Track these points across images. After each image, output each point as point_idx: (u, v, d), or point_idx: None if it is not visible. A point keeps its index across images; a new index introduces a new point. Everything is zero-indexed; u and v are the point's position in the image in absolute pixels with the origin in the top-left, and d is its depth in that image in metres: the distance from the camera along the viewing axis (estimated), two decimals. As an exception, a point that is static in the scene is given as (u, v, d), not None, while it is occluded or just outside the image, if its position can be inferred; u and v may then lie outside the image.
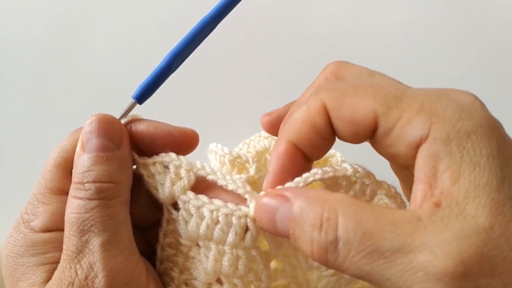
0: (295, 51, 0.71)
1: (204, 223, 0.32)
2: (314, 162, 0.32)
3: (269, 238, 0.32)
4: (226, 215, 0.31)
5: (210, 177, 0.33)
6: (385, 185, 0.31)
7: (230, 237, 0.31)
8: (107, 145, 0.32)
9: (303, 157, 0.30)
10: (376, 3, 0.72)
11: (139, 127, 0.34)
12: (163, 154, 0.34)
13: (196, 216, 0.32)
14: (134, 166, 0.34)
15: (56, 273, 0.31)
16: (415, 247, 0.23)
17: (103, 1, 0.73)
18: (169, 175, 0.33)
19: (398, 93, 0.27)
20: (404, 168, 0.29)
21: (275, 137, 0.49)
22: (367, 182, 0.31)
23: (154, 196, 0.34)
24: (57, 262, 0.31)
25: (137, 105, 0.35)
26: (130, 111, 0.35)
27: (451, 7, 0.71)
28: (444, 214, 0.24)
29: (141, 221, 0.35)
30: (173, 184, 0.33)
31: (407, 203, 0.32)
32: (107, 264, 0.30)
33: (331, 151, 0.51)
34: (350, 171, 0.30)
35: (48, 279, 0.31)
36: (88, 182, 0.31)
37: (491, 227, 0.23)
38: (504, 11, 0.71)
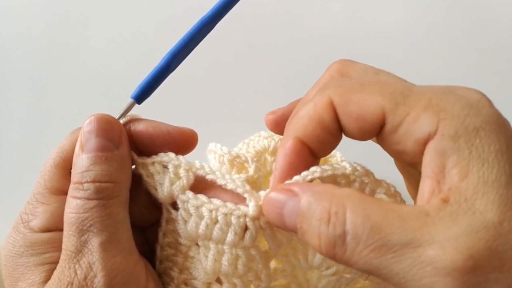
0: (295, 51, 0.71)
1: (203, 223, 0.32)
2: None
3: (269, 237, 0.32)
4: (225, 214, 0.31)
5: (209, 177, 0.33)
6: (384, 183, 0.31)
7: (229, 237, 0.31)
8: (106, 145, 0.32)
9: (310, 153, 0.30)
10: (376, 3, 0.72)
11: (138, 127, 0.34)
12: (162, 154, 0.34)
13: (195, 215, 0.32)
14: (133, 166, 0.34)
15: (55, 273, 0.31)
16: (424, 241, 0.23)
17: (103, 1, 0.73)
18: (168, 175, 0.33)
19: (405, 90, 0.27)
20: (410, 165, 0.29)
21: (275, 137, 0.49)
22: (366, 181, 0.31)
23: (153, 196, 0.33)
24: (56, 262, 0.31)
25: (136, 105, 0.35)
26: (129, 111, 0.35)
27: (451, 7, 0.71)
28: (452, 210, 0.24)
29: (140, 221, 0.35)
30: (172, 183, 0.33)
31: (407, 202, 0.32)
32: (106, 264, 0.30)
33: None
34: (349, 169, 0.30)
35: (47, 279, 0.31)
36: (87, 182, 0.31)
37: (500, 222, 0.23)
38: (504, 11, 0.70)
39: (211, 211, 0.31)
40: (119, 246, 0.31)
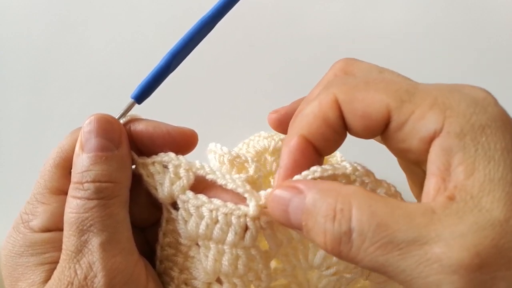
0: (295, 51, 0.71)
1: (203, 223, 0.32)
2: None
3: (269, 237, 0.32)
4: (226, 214, 0.31)
5: (209, 177, 0.33)
6: (384, 183, 0.31)
7: (230, 237, 0.31)
8: (106, 145, 0.32)
9: (315, 151, 0.30)
10: (376, 3, 0.72)
11: (138, 127, 0.34)
12: (162, 154, 0.34)
13: (195, 215, 0.32)
14: (133, 166, 0.34)
15: (56, 273, 0.31)
16: (430, 239, 0.23)
17: (103, 1, 0.73)
18: (168, 175, 0.33)
19: (411, 88, 0.27)
20: (414, 164, 0.29)
21: (275, 137, 0.49)
22: (366, 181, 0.30)
23: (153, 196, 0.33)
24: (57, 262, 0.31)
25: (136, 105, 0.35)
26: (129, 111, 0.35)
27: (451, 7, 0.71)
28: (458, 207, 0.23)
29: (141, 221, 0.35)
30: (172, 183, 0.33)
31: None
32: (106, 263, 0.30)
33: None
34: (349, 169, 0.30)
35: (47, 279, 0.31)
36: (87, 181, 0.31)
37: (506, 220, 0.23)
38: (504, 11, 0.70)
39: (211, 211, 0.31)
40: (119, 246, 0.31)
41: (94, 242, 0.30)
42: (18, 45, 0.72)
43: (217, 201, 0.32)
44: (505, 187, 0.23)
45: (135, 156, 0.34)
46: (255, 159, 0.47)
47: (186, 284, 0.34)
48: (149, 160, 0.34)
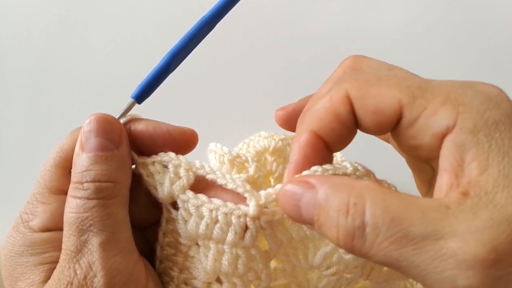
0: (295, 51, 0.71)
1: (203, 223, 0.32)
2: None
3: (269, 237, 0.32)
4: (226, 214, 0.31)
5: (209, 176, 0.33)
6: (385, 184, 0.31)
7: (230, 236, 0.31)
8: (106, 145, 0.32)
9: (325, 147, 0.30)
10: (376, 3, 0.72)
11: (138, 127, 0.34)
12: (162, 154, 0.34)
13: (195, 215, 0.32)
14: (133, 166, 0.34)
15: (55, 272, 0.31)
16: (445, 233, 0.23)
17: (103, 1, 0.73)
18: (168, 175, 0.33)
19: (423, 84, 0.27)
20: (424, 161, 0.28)
21: (275, 137, 0.49)
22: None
23: (153, 196, 0.33)
24: (56, 262, 0.31)
25: (136, 105, 0.35)
26: (129, 111, 0.35)
27: (451, 7, 0.71)
28: (473, 203, 0.23)
29: (140, 221, 0.35)
30: (172, 183, 0.33)
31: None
32: (106, 263, 0.30)
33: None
34: (350, 169, 0.30)
35: (47, 278, 0.31)
36: (87, 181, 0.31)
37: None
38: (504, 11, 0.71)
39: (211, 210, 0.31)
40: (119, 246, 0.31)
41: (94, 242, 0.30)
42: (18, 45, 0.72)
43: (217, 201, 0.32)
44: None
45: (135, 156, 0.34)
46: (255, 159, 0.47)
47: (186, 283, 0.34)
48: (149, 160, 0.34)
